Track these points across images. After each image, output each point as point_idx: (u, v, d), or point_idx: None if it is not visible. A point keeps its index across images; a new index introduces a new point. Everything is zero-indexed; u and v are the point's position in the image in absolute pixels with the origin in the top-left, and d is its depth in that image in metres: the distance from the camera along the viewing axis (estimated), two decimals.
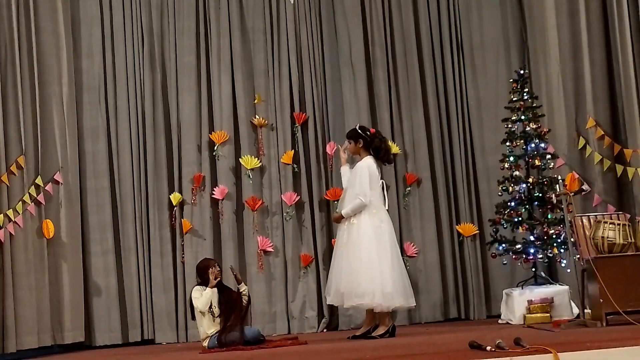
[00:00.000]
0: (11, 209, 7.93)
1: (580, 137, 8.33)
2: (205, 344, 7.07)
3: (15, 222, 7.95)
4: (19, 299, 7.89)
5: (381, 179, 7.52)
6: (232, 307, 7.07)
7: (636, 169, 8.01)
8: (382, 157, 7.52)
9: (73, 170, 8.78)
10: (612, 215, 7.23)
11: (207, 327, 7.08)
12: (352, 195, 7.35)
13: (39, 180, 8.29)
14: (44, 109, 8.49)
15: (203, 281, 7.18)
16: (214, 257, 9.01)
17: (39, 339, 8.06)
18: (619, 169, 8.08)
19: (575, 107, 8.44)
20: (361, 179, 7.31)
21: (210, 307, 7.06)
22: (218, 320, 7.06)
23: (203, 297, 7.02)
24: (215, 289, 7.10)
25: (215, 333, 7.03)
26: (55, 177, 8.48)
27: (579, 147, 8.32)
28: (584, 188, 7.60)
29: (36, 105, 8.39)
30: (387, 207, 7.53)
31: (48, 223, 8.32)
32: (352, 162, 8.90)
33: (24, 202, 8.10)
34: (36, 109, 8.39)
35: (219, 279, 7.14)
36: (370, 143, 7.48)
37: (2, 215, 7.83)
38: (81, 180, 8.98)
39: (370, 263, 7.17)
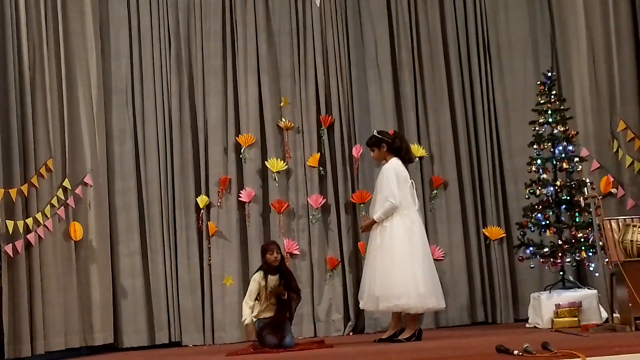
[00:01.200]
0: (40, 212, 7.99)
1: (615, 139, 8.24)
2: (246, 321, 7.14)
3: (45, 225, 8.00)
4: (47, 301, 7.94)
5: (410, 179, 7.50)
6: (286, 296, 7.12)
7: None
8: (404, 156, 7.53)
9: (102, 172, 8.83)
10: None
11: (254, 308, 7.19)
12: (382, 199, 7.33)
13: (66, 183, 8.34)
14: (72, 111, 8.54)
15: (263, 263, 7.29)
16: (239, 261, 9.05)
17: (66, 341, 8.11)
18: None
19: (609, 110, 8.35)
20: (388, 180, 7.30)
21: (257, 296, 7.15)
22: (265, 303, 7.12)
23: (251, 289, 7.19)
24: (276, 276, 7.14)
25: (267, 318, 7.07)
26: (85, 179, 8.54)
27: (614, 150, 8.23)
28: (612, 191, 7.51)
29: (63, 107, 8.44)
30: (417, 207, 7.50)
31: (76, 225, 8.37)
32: (377, 165, 8.93)
33: (52, 205, 8.16)
34: (64, 111, 8.44)
35: (276, 264, 7.17)
36: (392, 144, 7.48)
37: (31, 218, 7.88)
38: (109, 182, 9.03)
39: (403, 264, 7.17)
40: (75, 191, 8.42)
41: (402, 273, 7.15)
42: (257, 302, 7.21)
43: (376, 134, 7.60)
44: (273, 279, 7.16)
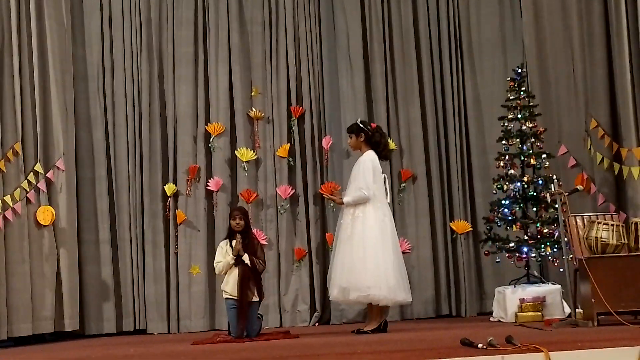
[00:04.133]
0: (8, 195, 7.91)
1: (589, 137, 8.31)
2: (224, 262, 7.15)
3: (13, 208, 7.93)
4: (12, 287, 7.87)
5: (383, 172, 7.51)
6: (245, 255, 7.13)
7: (630, 169, 7.99)
8: (381, 151, 7.51)
9: (70, 159, 8.76)
10: (606, 215, 7.23)
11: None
12: (355, 188, 7.34)
13: (38, 167, 8.27)
14: (44, 95, 8.46)
15: (227, 229, 7.36)
16: (206, 250, 9.02)
17: (33, 327, 8.05)
18: (617, 168, 8.08)
19: (585, 108, 8.41)
20: (364, 172, 7.30)
21: None
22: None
23: (218, 263, 7.20)
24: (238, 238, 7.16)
25: (232, 298, 7.08)
26: (57, 164, 8.47)
27: (587, 148, 8.30)
28: (578, 188, 7.57)
29: (35, 92, 8.35)
30: (389, 201, 7.53)
31: (45, 210, 8.30)
32: (347, 156, 8.94)
33: (21, 188, 8.08)
34: (35, 95, 8.35)
35: (238, 229, 7.17)
36: (371, 137, 7.48)
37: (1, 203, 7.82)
38: (78, 169, 8.97)
39: (375, 256, 7.17)
40: (47, 175, 8.35)
41: (373, 264, 7.15)
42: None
43: (359, 122, 7.59)
44: (235, 242, 7.16)
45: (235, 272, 7.13)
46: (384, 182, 7.48)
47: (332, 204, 8.60)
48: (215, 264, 7.27)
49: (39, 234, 8.28)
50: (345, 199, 7.35)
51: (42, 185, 8.30)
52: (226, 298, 7.17)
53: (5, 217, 7.88)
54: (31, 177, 8.23)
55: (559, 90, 8.67)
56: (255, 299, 7.19)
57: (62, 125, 8.56)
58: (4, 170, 7.95)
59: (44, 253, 8.30)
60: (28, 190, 8.17)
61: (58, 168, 8.47)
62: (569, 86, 8.55)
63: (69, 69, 8.79)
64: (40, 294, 8.19)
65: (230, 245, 7.19)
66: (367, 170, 7.29)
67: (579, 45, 8.40)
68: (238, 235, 7.17)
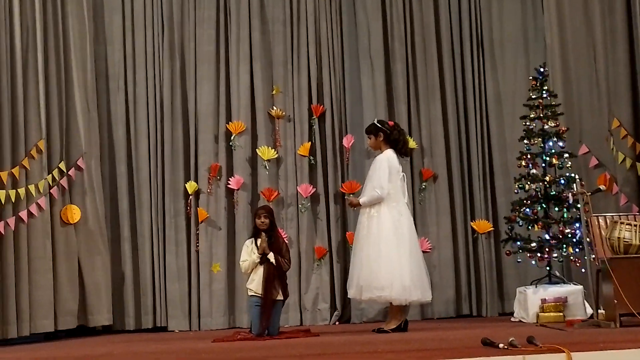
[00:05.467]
0: (33, 186, 7.97)
1: (612, 137, 8.25)
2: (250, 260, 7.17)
3: (37, 203, 7.99)
4: (35, 283, 7.93)
5: (402, 171, 7.50)
6: (270, 254, 7.16)
7: None
8: (400, 149, 7.51)
9: (95, 157, 8.81)
10: (629, 216, 7.18)
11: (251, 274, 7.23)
12: (371, 187, 7.35)
13: (62, 165, 8.33)
14: (67, 94, 8.52)
15: (252, 228, 7.42)
16: (227, 248, 9.05)
17: (55, 323, 8.11)
18: (639, 167, 8.02)
19: (608, 107, 8.36)
20: (380, 171, 7.31)
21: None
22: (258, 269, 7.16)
23: (244, 261, 7.22)
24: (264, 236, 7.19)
25: (256, 295, 7.10)
26: (78, 162, 8.52)
27: (610, 147, 8.25)
28: (601, 188, 7.53)
29: (62, 90, 8.42)
30: (406, 200, 7.52)
31: (72, 208, 8.37)
32: (367, 156, 8.93)
33: (45, 183, 8.14)
34: (62, 94, 8.42)
35: (264, 227, 7.21)
36: (390, 135, 7.47)
37: (23, 194, 7.86)
38: (102, 167, 9.03)
39: (389, 256, 7.17)
40: (69, 173, 8.41)
41: (387, 264, 7.16)
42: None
43: (376, 122, 7.59)
44: (261, 241, 7.18)
45: (260, 270, 7.15)
46: (403, 180, 7.48)
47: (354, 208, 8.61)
48: (240, 263, 7.29)
49: (64, 232, 8.33)
50: (362, 200, 7.38)
51: (64, 182, 8.34)
52: (250, 295, 7.19)
53: (29, 213, 7.92)
54: (56, 173, 8.28)
55: (581, 89, 8.62)
56: (280, 297, 7.20)
57: (83, 124, 8.61)
58: (28, 167, 8.01)
59: (68, 250, 8.34)
60: (51, 186, 8.22)
61: (79, 167, 8.52)
62: (591, 85, 8.51)
63: (90, 67, 8.83)
64: (66, 291, 8.23)
65: (256, 244, 7.21)
66: (382, 171, 7.30)
67: (601, 44, 8.36)
68: (263, 234, 7.19)
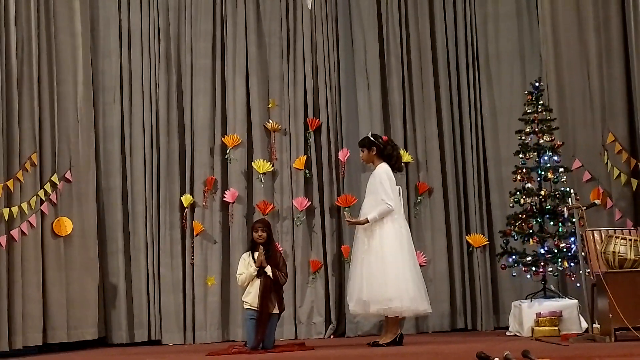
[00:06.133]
0: (25, 203, 7.97)
1: (606, 151, 8.28)
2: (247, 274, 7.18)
3: (28, 220, 7.98)
4: (28, 296, 7.91)
5: (397, 185, 7.51)
6: (267, 267, 7.16)
7: None
8: (394, 164, 7.51)
9: (88, 169, 8.81)
10: (624, 230, 7.19)
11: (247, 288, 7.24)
12: (375, 201, 7.31)
13: (54, 178, 8.33)
14: (60, 107, 8.54)
15: (250, 241, 7.41)
16: (221, 261, 9.04)
17: (45, 336, 8.10)
18: (634, 183, 8.05)
19: (602, 122, 8.39)
20: (383, 184, 7.29)
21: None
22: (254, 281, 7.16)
23: (241, 274, 7.22)
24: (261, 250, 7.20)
25: (252, 308, 7.09)
26: (66, 175, 8.52)
27: (604, 162, 8.27)
28: (595, 202, 7.55)
29: (54, 103, 8.44)
30: (402, 213, 7.52)
31: (63, 220, 8.36)
32: (363, 170, 8.95)
33: (37, 197, 8.14)
34: (54, 107, 8.44)
35: (261, 241, 7.21)
36: (384, 150, 7.48)
37: (17, 211, 7.85)
38: (97, 179, 9.02)
39: (395, 267, 7.15)
40: (58, 187, 8.41)
41: (394, 276, 7.13)
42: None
43: (370, 136, 7.60)
44: (258, 254, 7.18)
45: (256, 283, 7.14)
46: (399, 194, 7.49)
47: (345, 211, 8.58)
48: (237, 276, 7.29)
49: (53, 244, 8.32)
50: (371, 216, 7.27)
51: (53, 196, 8.34)
52: (246, 308, 7.18)
53: (21, 231, 7.91)
54: (48, 187, 8.28)
55: (575, 104, 8.65)
56: (276, 311, 7.19)
57: (73, 137, 8.62)
58: (22, 180, 8.01)
59: (58, 263, 8.33)
60: (44, 200, 8.22)
61: (67, 179, 8.52)
62: (584, 100, 8.53)
63: (84, 80, 8.85)
64: (53, 303, 8.22)
65: (253, 257, 7.21)
66: (385, 183, 7.29)
67: (596, 59, 8.39)
68: (261, 247, 7.19)
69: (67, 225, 8.41)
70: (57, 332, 8.21)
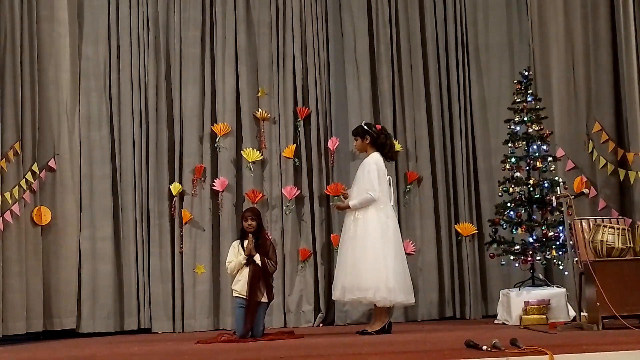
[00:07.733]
0: (8, 193, 7.94)
1: (591, 141, 8.30)
2: (236, 261, 7.18)
3: (10, 209, 7.96)
4: (9, 285, 7.89)
5: (387, 174, 7.51)
6: (257, 255, 7.16)
7: (637, 173, 8.00)
8: (387, 153, 7.52)
9: (72, 157, 8.79)
10: (612, 219, 7.23)
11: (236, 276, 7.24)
12: (361, 190, 7.34)
13: (35, 167, 8.30)
14: (42, 96, 8.51)
15: (240, 230, 7.41)
16: (211, 249, 9.04)
17: (28, 325, 8.09)
18: (622, 173, 8.08)
19: (586, 111, 8.42)
20: (370, 174, 7.30)
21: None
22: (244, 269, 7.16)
23: (230, 262, 7.22)
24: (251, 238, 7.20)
25: (241, 296, 7.09)
26: (49, 163, 8.50)
27: (589, 151, 8.30)
28: (584, 191, 7.58)
29: (35, 91, 8.40)
30: (392, 203, 7.53)
31: (42, 209, 8.34)
32: (352, 158, 8.95)
33: (20, 187, 8.12)
34: (35, 95, 8.41)
35: (251, 230, 7.20)
36: (377, 139, 7.48)
37: (0, 200, 7.84)
38: (83, 167, 9.00)
39: (375, 257, 7.18)
40: (40, 175, 8.38)
41: (373, 266, 7.16)
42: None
43: (364, 125, 7.60)
44: (247, 242, 7.18)
45: (245, 271, 7.16)
46: (389, 184, 7.50)
47: (334, 201, 8.60)
48: (227, 264, 7.30)
49: (35, 233, 8.30)
50: (352, 203, 7.35)
51: (35, 185, 8.32)
52: (235, 297, 7.19)
53: (4, 220, 7.89)
54: (29, 176, 8.26)
55: (560, 93, 8.68)
56: (264, 299, 7.20)
57: (58, 125, 8.60)
58: (5, 169, 7.98)
59: (40, 252, 8.32)
60: (25, 189, 8.19)
61: (51, 168, 8.49)
62: (569, 90, 8.56)
63: (72, 68, 8.80)
64: (36, 292, 8.20)
65: (242, 245, 7.21)
66: (372, 173, 7.30)
67: (582, 49, 8.42)
68: (250, 236, 7.19)
69: (46, 215, 8.39)
70: (33, 322, 8.18)
